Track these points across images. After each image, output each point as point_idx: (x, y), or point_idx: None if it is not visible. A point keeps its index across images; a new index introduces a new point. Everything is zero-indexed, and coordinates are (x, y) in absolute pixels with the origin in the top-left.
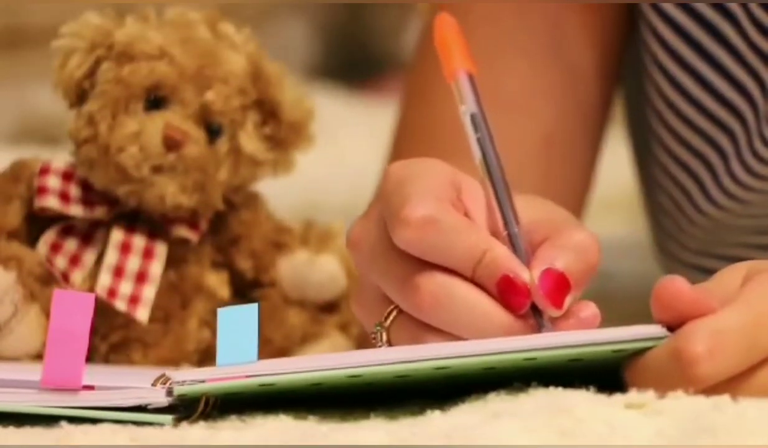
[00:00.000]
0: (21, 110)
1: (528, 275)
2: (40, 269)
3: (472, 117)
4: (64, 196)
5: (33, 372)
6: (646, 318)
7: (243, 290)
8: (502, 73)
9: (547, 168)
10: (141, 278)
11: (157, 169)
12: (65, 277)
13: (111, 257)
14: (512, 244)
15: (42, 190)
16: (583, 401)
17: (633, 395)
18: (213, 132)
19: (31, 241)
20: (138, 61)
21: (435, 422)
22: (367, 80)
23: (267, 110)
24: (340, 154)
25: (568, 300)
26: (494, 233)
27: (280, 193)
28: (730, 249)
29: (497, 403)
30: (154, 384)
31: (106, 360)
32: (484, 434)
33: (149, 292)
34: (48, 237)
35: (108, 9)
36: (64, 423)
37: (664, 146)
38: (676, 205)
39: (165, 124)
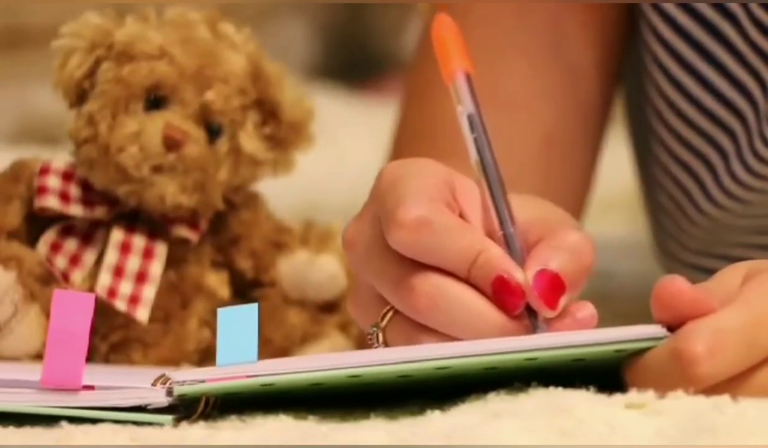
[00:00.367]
0: (21, 110)
1: (522, 276)
2: (40, 269)
3: (469, 117)
4: (64, 196)
5: (33, 372)
6: (646, 318)
7: (243, 290)
8: (502, 73)
9: (547, 168)
10: (141, 277)
11: (157, 169)
12: (65, 277)
13: (111, 256)
14: (507, 244)
15: (42, 190)
16: (583, 401)
17: (633, 395)
18: (213, 132)
19: (31, 241)
20: (138, 61)
21: (435, 422)
22: (367, 80)
23: (267, 110)
24: (340, 154)
25: (562, 301)
26: (490, 234)
27: (280, 193)
28: (730, 249)
29: (497, 403)
30: (154, 384)
31: (106, 360)
32: (484, 434)
33: (149, 292)
34: (48, 237)
35: (108, 9)
36: (64, 423)
37: (665, 146)
38: (676, 205)
39: (165, 124)
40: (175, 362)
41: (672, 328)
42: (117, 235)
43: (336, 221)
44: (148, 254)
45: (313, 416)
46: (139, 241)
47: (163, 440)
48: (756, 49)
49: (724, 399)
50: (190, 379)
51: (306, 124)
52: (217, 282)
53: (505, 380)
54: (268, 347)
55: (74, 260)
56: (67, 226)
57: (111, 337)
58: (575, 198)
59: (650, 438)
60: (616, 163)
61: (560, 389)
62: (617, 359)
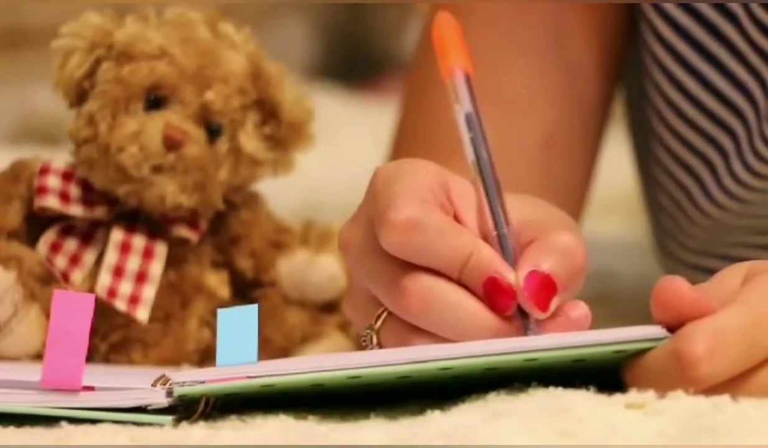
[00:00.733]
0: (21, 110)
1: (514, 277)
2: (40, 268)
3: (467, 117)
4: (64, 196)
5: (33, 372)
6: (647, 318)
7: (243, 290)
8: (502, 73)
9: (547, 168)
10: (141, 277)
11: (157, 169)
12: (65, 277)
13: (111, 256)
14: (501, 245)
15: (42, 190)
16: (583, 401)
17: (633, 395)
18: (213, 132)
19: (31, 241)
20: (138, 60)
21: (435, 422)
22: (367, 80)
23: (267, 110)
24: (340, 154)
25: (554, 303)
26: (484, 234)
27: (280, 193)
28: (730, 249)
29: (497, 403)
30: (154, 385)
31: (106, 360)
32: (484, 434)
33: (149, 292)
34: (48, 237)
35: (108, 9)
36: (64, 423)
37: (665, 146)
38: (676, 205)
39: (165, 124)
40: (175, 362)
41: (672, 329)
42: (117, 235)
43: (336, 221)
44: (148, 254)
45: (313, 416)
46: (139, 241)
47: (163, 441)
48: (756, 48)
49: (724, 399)
50: (190, 380)
51: (306, 124)
52: (217, 282)
53: (505, 380)
54: (268, 347)
55: (74, 260)
56: (67, 226)
57: (111, 337)
58: (575, 198)
59: (650, 438)
60: (616, 163)
61: (560, 389)
62: (617, 359)
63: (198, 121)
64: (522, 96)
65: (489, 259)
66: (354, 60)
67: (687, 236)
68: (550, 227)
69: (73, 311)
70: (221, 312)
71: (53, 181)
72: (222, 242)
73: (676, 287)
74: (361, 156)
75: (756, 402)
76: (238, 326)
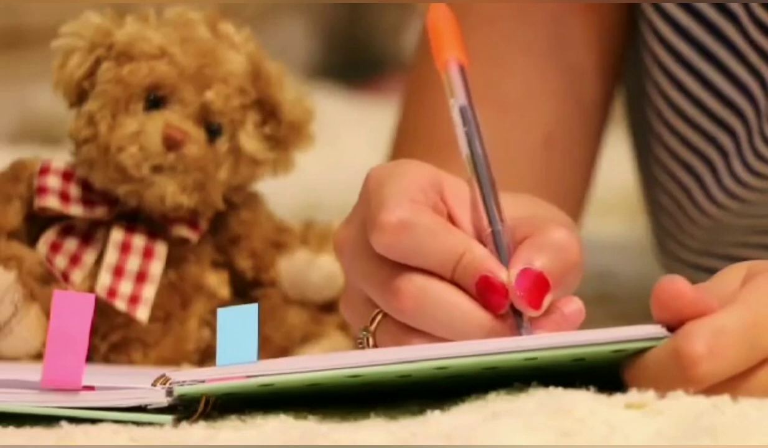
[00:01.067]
0: (21, 110)
1: (506, 275)
2: (40, 268)
3: (461, 109)
4: (64, 196)
5: (33, 372)
6: (646, 318)
7: (243, 290)
8: (502, 72)
9: (547, 168)
10: (141, 277)
11: (157, 169)
12: (65, 276)
13: (111, 256)
14: (495, 241)
15: (42, 190)
16: (583, 401)
17: (633, 395)
18: (213, 132)
19: (31, 241)
20: (138, 60)
21: (435, 422)
22: (367, 80)
23: (267, 110)
24: (340, 154)
25: (546, 300)
26: (479, 233)
27: (280, 193)
28: (731, 248)
29: (497, 403)
30: (154, 384)
31: (106, 360)
32: (484, 434)
33: (149, 291)
34: (48, 237)
35: (108, 9)
36: (64, 423)
37: (665, 145)
38: (676, 204)
39: (165, 124)
40: (175, 361)
41: (672, 328)
42: (117, 235)
43: (336, 221)
44: (148, 254)
45: (313, 416)
46: (139, 241)
47: (163, 440)
48: (756, 48)
49: (724, 399)
50: (190, 379)
51: (306, 124)
52: (217, 282)
53: (505, 380)
54: (268, 347)
55: (74, 260)
56: (67, 226)
57: (111, 337)
58: (575, 197)
59: (650, 438)
60: (616, 163)
61: (560, 389)
62: (617, 359)
63: (198, 121)
64: (522, 95)
65: (481, 258)
66: (354, 60)
67: (687, 235)
68: (543, 223)
69: (73, 310)
70: (221, 311)
71: (53, 181)
72: (222, 242)
73: (676, 286)
74: (361, 156)
75: (756, 402)
76: (238, 326)
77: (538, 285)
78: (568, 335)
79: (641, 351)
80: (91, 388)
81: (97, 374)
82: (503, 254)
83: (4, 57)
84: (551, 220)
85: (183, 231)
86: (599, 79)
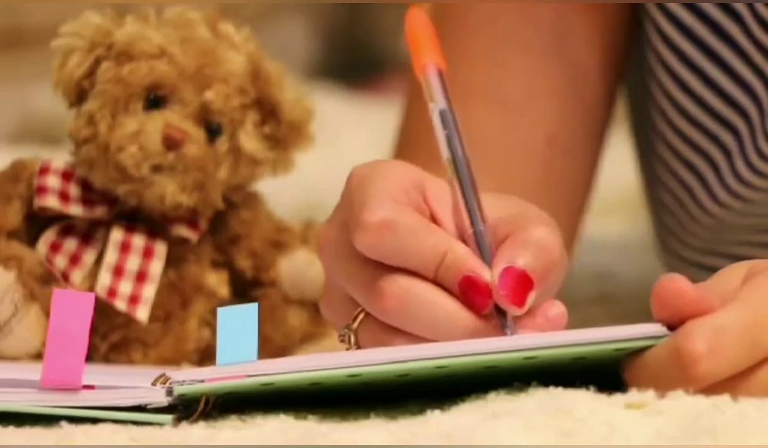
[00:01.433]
0: (21, 110)
1: (489, 275)
2: (40, 268)
3: (441, 113)
4: (64, 196)
5: (33, 372)
6: (647, 318)
7: (243, 290)
8: (504, 71)
9: (549, 167)
10: (141, 277)
11: (156, 169)
12: (65, 276)
13: (111, 256)
14: (478, 242)
15: (42, 190)
16: (583, 401)
17: (633, 395)
18: (212, 131)
19: (31, 241)
20: (138, 60)
21: (435, 422)
22: (367, 80)
23: (267, 110)
24: (340, 154)
25: (530, 298)
26: (461, 233)
27: (280, 193)
28: (733, 247)
29: (497, 403)
30: (153, 384)
31: (106, 360)
32: (484, 434)
33: (149, 291)
34: (48, 237)
35: (108, 9)
36: (64, 423)
37: (668, 144)
38: (679, 204)
39: (165, 124)
40: (175, 361)
41: (672, 327)
42: (117, 234)
43: None
44: (147, 254)
45: (313, 416)
46: (138, 240)
47: (163, 440)
48: (760, 47)
49: (724, 399)
50: (190, 379)
51: (306, 124)
52: (217, 282)
53: (505, 380)
54: (268, 347)
55: (74, 260)
56: (67, 225)
57: (111, 336)
58: (577, 197)
59: (650, 438)
60: (617, 163)
61: (560, 389)
62: (617, 358)
63: (198, 120)
64: (524, 95)
65: (464, 257)
66: (354, 60)
67: (690, 234)
68: (525, 221)
69: (73, 310)
70: (221, 311)
71: (53, 181)
72: (222, 242)
73: (677, 285)
74: (361, 156)
75: (756, 402)
76: (237, 325)
77: (522, 283)
78: (569, 333)
79: (641, 350)
80: (90, 387)
81: (97, 374)
82: (486, 254)
83: (4, 57)
84: (532, 218)
85: (183, 231)
86: (602, 78)
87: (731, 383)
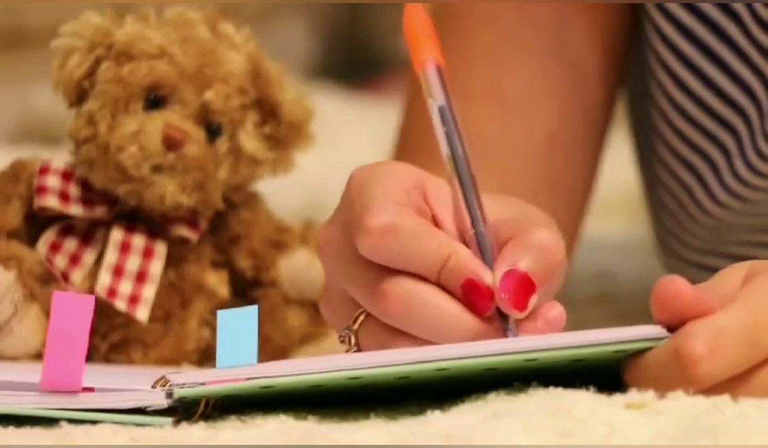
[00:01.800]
0: (21, 110)
1: (491, 278)
2: (40, 268)
3: (440, 110)
4: (64, 196)
5: (33, 372)
6: (646, 318)
7: (243, 290)
8: (505, 71)
9: (549, 168)
10: (141, 277)
11: (156, 169)
12: (65, 276)
13: (111, 256)
14: (478, 243)
15: (42, 190)
16: (583, 401)
17: (633, 395)
18: (212, 131)
19: (31, 241)
20: (138, 60)
21: (435, 422)
22: (367, 80)
23: (267, 110)
24: (340, 154)
25: (532, 301)
26: (462, 234)
27: (280, 193)
28: (733, 247)
29: (497, 403)
30: (154, 386)
31: (106, 360)
32: (484, 434)
33: (149, 291)
34: (48, 237)
35: (108, 9)
36: (64, 423)
37: (668, 144)
38: (678, 204)
39: (165, 124)
40: (175, 361)
41: (672, 328)
42: (117, 234)
43: None
44: (147, 254)
45: (313, 416)
46: (138, 240)
47: (163, 440)
48: (759, 48)
49: (724, 399)
50: (190, 381)
51: (306, 124)
52: (217, 282)
53: (505, 380)
54: (268, 347)
55: (74, 260)
56: (67, 225)
57: (111, 337)
58: (577, 197)
59: (650, 438)
60: (617, 163)
61: (560, 390)
62: (617, 359)
63: (198, 120)
64: (524, 95)
65: (466, 260)
66: (354, 60)
67: (689, 234)
68: (528, 224)
69: (73, 311)
70: (221, 313)
71: (53, 181)
72: (222, 242)
73: (676, 286)
74: (361, 156)
75: (756, 402)
76: (238, 328)
77: (524, 286)
78: (569, 335)
79: (641, 351)
80: (90, 390)
81: (97, 375)
82: (487, 256)
83: (4, 57)
84: (534, 221)
85: (183, 231)
86: (602, 78)
87: (731, 384)
